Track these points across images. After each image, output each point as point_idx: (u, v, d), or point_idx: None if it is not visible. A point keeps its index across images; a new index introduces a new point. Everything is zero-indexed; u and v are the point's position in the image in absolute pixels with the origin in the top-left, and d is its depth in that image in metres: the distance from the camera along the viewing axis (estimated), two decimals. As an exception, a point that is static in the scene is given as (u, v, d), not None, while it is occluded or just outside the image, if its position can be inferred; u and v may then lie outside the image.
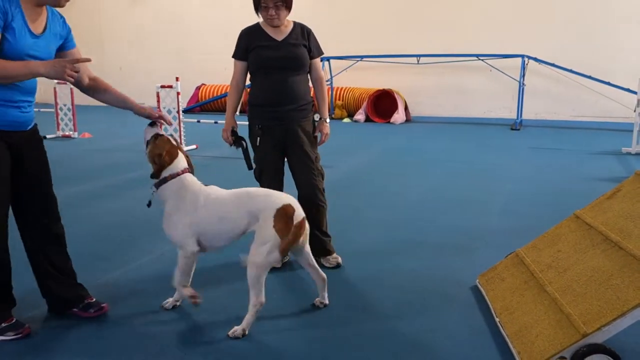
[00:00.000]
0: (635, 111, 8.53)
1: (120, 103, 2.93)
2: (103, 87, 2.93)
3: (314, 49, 3.54)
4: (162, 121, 2.98)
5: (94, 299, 2.95)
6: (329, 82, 13.25)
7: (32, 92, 2.66)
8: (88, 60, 2.60)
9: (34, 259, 2.84)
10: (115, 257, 3.65)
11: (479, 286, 3.21)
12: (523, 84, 11.76)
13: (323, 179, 3.59)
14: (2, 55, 2.42)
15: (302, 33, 3.52)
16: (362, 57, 12.73)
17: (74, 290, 2.92)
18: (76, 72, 2.49)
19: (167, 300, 3.05)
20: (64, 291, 2.89)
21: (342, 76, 13.30)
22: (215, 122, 9.18)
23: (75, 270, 2.98)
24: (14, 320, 2.70)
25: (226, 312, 2.97)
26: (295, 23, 3.56)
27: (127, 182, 6.30)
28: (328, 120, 3.61)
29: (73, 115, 9.84)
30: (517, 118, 11.73)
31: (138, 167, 6.82)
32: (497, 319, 2.77)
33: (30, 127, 2.71)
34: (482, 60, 12.20)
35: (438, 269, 3.60)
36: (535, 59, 11.78)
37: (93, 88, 2.92)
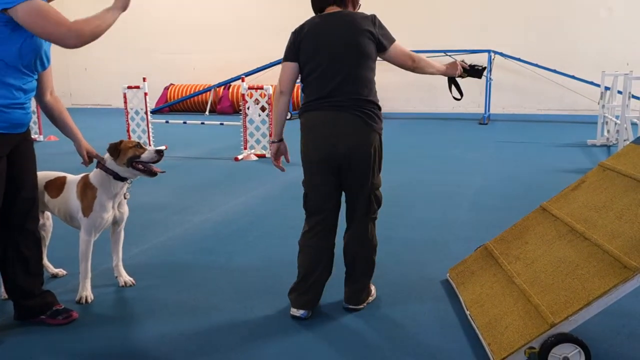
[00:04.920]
0: (598, 104, 8.74)
1: (69, 134, 2.97)
2: (59, 111, 2.92)
3: None
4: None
5: (63, 306, 2.89)
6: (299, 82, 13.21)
7: (33, 92, 2.69)
8: None
9: (8, 264, 2.77)
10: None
11: (450, 280, 3.24)
12: (490, 78, 11.93)
13: (375, 214, 2.94)
14: (22, 50, 2.47)
15: None
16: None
17: (43, 297, 2.86)
18: None
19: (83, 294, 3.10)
20: (33, 298, 2.83)
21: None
22: (184, 122, 9.10)
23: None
24: (-22, 330, 2.63)
25: (195, 316, 2.95)
26: None
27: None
28: None
29: (38, 117, 9.62)
30: (485, 112, 11.90)
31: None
32: (467, 312, 2.80)
33: (27, 128, 2.71)
34: (449, 55, 12.32)
35: (408, 263, 3.63)
36: (502, 54, 11.96)
37: (51, 107, 2.90)
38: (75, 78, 16.14)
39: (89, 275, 3.13)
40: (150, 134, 8.45)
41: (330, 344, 2.62)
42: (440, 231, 4.31)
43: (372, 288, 3.08)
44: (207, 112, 14.13)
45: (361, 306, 2.96)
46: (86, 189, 3.08)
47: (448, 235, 4.21)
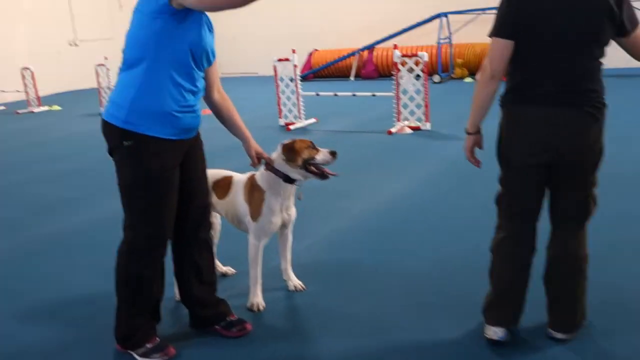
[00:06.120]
0: None
1: (237, 134, 2.79)
2: (227, 110, 2.72)
3: None
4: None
5: (236, 317, 2.77)
6: (447, 40, 12.40)
7: (202, 92, 2.54)
8: None
9: (183, 273, 2.71)
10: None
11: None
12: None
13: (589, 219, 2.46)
14: (192, 44, 2.33)
15: None
16: (483, 9, 11.67)
17: (217, 306, 2.76)
18: None
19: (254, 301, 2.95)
20: (206, 307, 2.74)
21: (462, 32, 12.38)
22: (335, 95, 8.81)
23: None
24: (158, 341, 2.57)
25: (375, 334, 2.66)
26: None
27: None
28: None
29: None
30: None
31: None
32: None
33: (196, 132, 2.59)
34: None
35: (618, 277, 3.01)
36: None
37: (219, 106, 2.70)
38: (223, 48, 16.56)
39: (259, 281, 2.98)
40: (301, 105, 8.32)
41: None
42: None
43: (585, 311, 2.55)
44: (352, 77, 13.82)
45: (573, 334, 2.47)
46: (254, 192, 2.90)
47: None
